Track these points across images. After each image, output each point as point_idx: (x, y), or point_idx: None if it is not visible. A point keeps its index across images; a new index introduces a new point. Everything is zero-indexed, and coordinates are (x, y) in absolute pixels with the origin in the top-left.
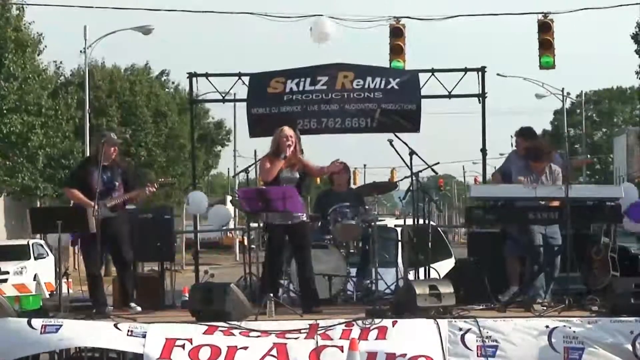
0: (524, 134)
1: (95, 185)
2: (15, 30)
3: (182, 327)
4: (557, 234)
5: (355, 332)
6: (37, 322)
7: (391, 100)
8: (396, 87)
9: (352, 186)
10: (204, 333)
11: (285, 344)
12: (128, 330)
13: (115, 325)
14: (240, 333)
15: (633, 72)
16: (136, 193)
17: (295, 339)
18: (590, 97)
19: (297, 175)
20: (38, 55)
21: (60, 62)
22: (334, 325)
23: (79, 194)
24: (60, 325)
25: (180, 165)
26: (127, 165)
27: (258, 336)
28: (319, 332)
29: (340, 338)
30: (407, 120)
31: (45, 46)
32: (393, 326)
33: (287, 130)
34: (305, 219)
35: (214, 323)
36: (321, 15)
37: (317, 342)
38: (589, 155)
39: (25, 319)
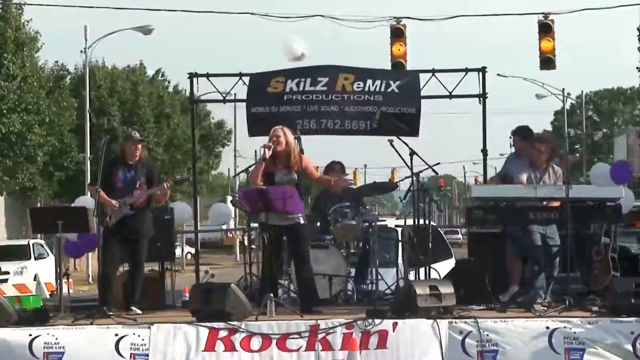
0: (521, 132)
1: (119, 184)
2: (15, 30)
3: (183, 343)
4: (555, 234)
5: (356, 336)
6: (38, 346)
7: (391, 104)
8: (396, 90)
9: (352, 186)
10: (204, 350)
11: None
12: (130, 355)
13: (117, 349)
14: (240, 344)
15: (634, 70)
16: (153, 190)
17: (296, 351)
18: (590, 97)
19: (294, 177)
20: (36, 53)
21: (62, 64)
22: (335, 327)
23: (101, 193)
24: (63, 353)
25: (184, 167)
26: (152, 165)
27: (259, 350)
28: (319, 337)
29: (340, 349)
30: (406, 124)
31: (43, 44)
32: (393, 330)
33: (275, 131)
34: (302, 220)
35: (214, 324)
36: (322, 15)
37: (318, 356)
38: (577, 154)
39: (27, 340)
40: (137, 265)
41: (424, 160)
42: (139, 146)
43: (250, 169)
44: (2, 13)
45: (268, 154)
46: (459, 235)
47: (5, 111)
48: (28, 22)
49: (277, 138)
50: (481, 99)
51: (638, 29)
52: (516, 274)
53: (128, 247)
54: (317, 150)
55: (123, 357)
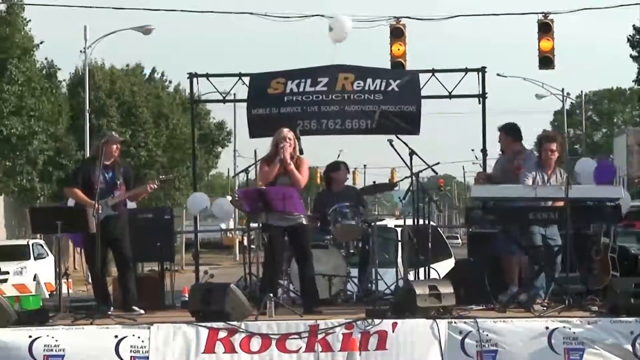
0: (507, 129)
1: (99, 185)
2: (19, 32)
3: (183, 344)
4: (556, 235)
5: (356, 336)
6: (38, 348)
7: (391, 102)
8: (396, 88)
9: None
10: (204, 352)
11: None
12: (131, 358)
13: (117, 351)
14: (240, 345)
15: (632, 77)
16: (137, 191)
17: (296, 352)
18: (590, 97)
19: None
20: (34, 51)
21: (52, 60)
22: (334, 327)
23: (80, 193)
24: (63, 356)
25: (183, 166)
26: (128, 165)
27: (259, 351)
28: (319, 338)
29: (340, 349)
30: (407, 122)
31: (42, 41)
32: (393, 330)
33: (286, 132)
34: (304, 221)
35: (214, 324)
36: (323, 15)
37: (318, 357)
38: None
39: (27, 342)
40: (126, 265)
41: (423, 160)
42: (119, 147)
43: (249, 169)
44: (6, 16)
45: (286, 154)
46: (459, 240)
47: (6, 114)
48: (28, 22)
49: (289, 140)
50: (481, 99)
51: (628, 38)
52: (514, 275)
53: (113, 247)
54: (317, 150)
55: (123, 359)
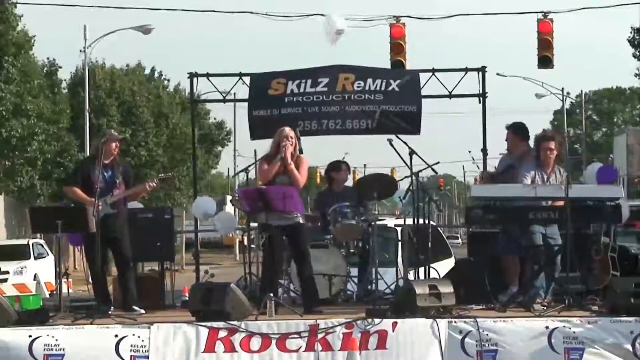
0: (514, 128)
1: (97, 183)
2: (12, 29)
3: (183, 343)
4: (556, 234)
5: (356, 336)
6: (38, 348)
7: (391, 102)
8: (397, 88)
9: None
10: (204, 351)
11: None
12: (131, 357)
13: (117, 351)
14: (240, 344)
15: (632, 75)
16: (136, 189)
17: (296, 351)
18: (590, 97)
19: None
20: (31, 50)
21: (54, 59)
22: (334, 326)
23: (80, 192)
24: (63, 355)
25: (183, 166)
26: (127, 165)
27: (259, 350)
28: (319, 337)
29: (340, 348)
30: (407, 122)
31: (34, 35)
32: (393, 330)
33: (287, 131)
34: (301, 220)
35: (214, 324)
36: (323, 14)
37: (317, 356)
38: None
39: (27, 342)
40: (126, 265)
41: (423, 160)
42: (118, 144)
43: (249, 169)
44: (1, 15)
45: (288, 153)
46: (459, 240)
47: (4, 113)
48: (21, 16)
49: (291, 139)
50: (481, 98)
51: (628, 40)
52: (514, 275)
53: (112, 246)
54: (318, 151)
55: (123, 359)
